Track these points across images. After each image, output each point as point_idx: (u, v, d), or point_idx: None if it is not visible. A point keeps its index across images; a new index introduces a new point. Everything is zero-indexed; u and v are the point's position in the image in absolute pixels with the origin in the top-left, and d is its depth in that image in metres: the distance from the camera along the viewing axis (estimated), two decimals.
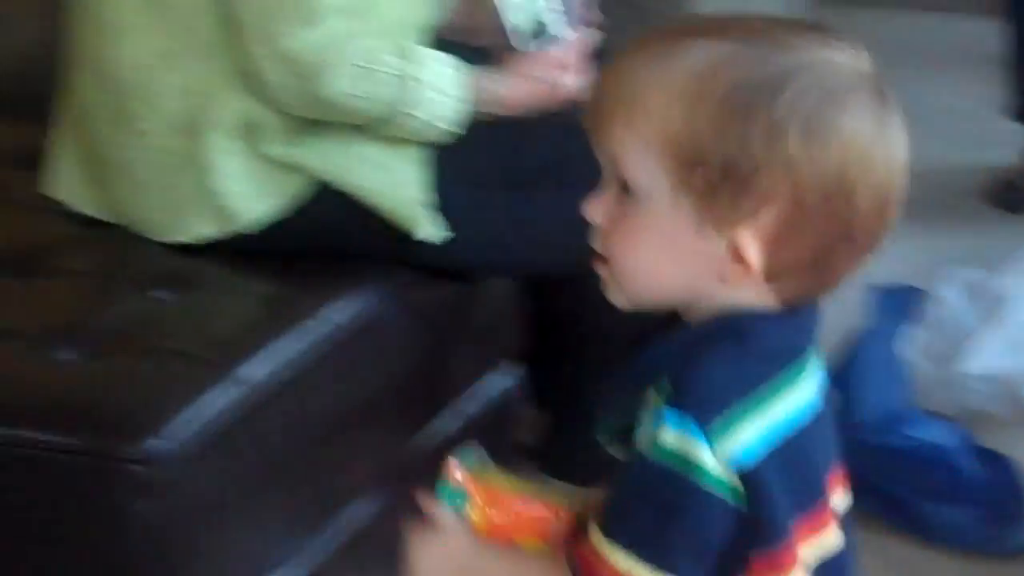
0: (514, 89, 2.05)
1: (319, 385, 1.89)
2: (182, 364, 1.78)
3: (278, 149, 1.96)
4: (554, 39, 2.04)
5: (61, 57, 2.10)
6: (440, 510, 1.27)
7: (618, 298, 1.23)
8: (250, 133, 1.96)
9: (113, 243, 2.04)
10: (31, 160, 2.18)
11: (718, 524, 1.16)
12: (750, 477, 1.16)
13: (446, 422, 2.15)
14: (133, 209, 2.02)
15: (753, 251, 1.17)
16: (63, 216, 2.08)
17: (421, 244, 1.99)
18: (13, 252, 2.01)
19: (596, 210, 1.21)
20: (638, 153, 1.17)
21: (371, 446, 2.03)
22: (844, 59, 1.18)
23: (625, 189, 1.19)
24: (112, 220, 2.05)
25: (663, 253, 1.19)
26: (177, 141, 1.96)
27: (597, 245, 1.22)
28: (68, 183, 2.08)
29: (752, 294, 1.19)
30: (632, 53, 1.20)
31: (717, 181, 1.15)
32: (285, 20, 1.88)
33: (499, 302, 2.24)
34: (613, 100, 1.19)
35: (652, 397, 1.18)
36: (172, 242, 2.01)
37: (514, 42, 2.06)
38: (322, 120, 1.96)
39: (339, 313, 1.93)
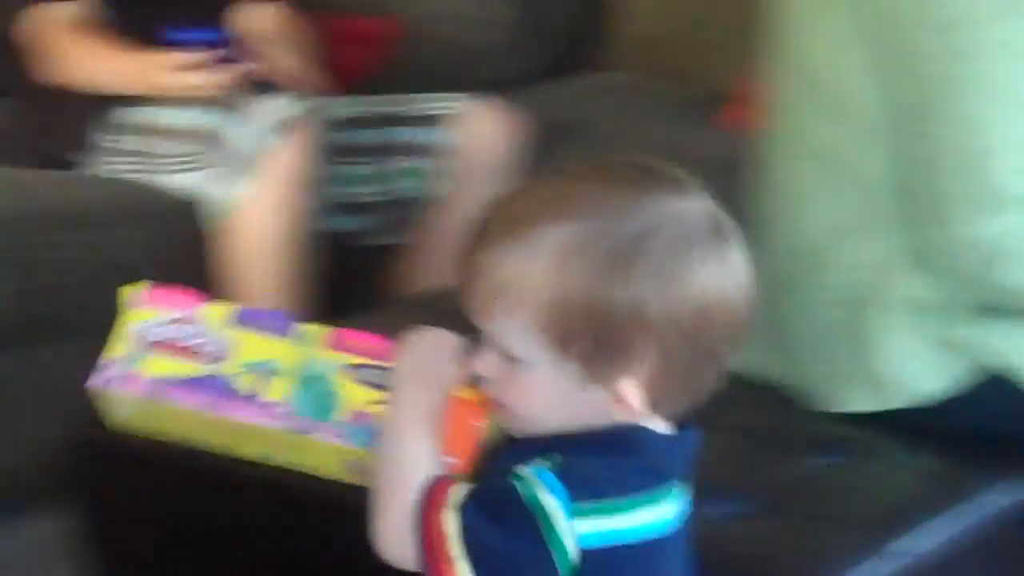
0: None
1: (978, 569, 1.86)
2: (838, 531, 1.79)
3: (944, 331, 1.93)
4: None
5: None
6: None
7: (514, 431, 1.33)
8: (916, 312, 1.94)
9: (775, 405, 2.06)
10: None
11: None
12: (590, 558, 1.25)
13: None
14: (793, 375, 2.05)
15: (634, 395, 1.28)
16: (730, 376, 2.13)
17: None
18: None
19: (484, 366, 1.31)
20: (518, 333, 1.28)
21: None
22: (688, 206, 1.28)
23: (509, 356, 1.29)
24: (773, 383, 2.08)
25: (551, 403, 1.29)
26: (842, 313, 1.97)
27: (488, 393, 1.32)
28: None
29: (636, 420, 1.30)
30: (492, 238, 1.28)
31: (592, 350, 1.26)
32: (965, 206, 1.84)
33: None
34: (486, 288, 1.28)
35: (537, 462, 1.27)
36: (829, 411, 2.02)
37: None
38: (995, 307, 1.91)
39: (1005, 496, 1.88)
